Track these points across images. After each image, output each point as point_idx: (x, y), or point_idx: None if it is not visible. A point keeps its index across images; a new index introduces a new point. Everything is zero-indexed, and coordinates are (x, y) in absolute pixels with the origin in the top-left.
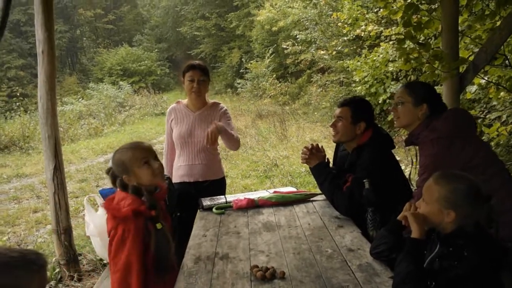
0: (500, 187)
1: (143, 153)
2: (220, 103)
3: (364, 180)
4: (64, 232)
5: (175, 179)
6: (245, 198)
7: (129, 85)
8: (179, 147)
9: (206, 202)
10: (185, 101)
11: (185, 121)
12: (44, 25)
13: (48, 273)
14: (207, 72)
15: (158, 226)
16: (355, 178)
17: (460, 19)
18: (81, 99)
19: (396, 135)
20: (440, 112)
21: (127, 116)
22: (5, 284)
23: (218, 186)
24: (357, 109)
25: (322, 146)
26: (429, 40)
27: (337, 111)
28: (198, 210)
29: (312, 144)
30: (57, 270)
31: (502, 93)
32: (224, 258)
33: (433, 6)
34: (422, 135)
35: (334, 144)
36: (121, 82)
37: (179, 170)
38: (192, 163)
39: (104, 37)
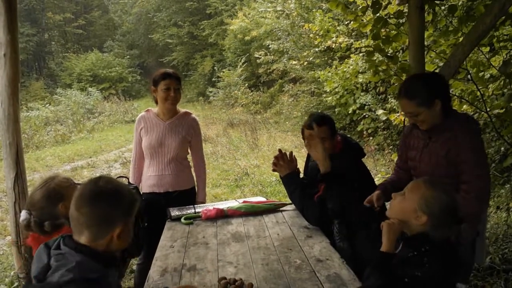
0: None
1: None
2: (191, 113)
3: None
4: (25, 243)
5: (144, 189)
6: (214, 208)
7: (98, 91)
8: (149, 157)
9: (175, 212)
10: (155, 109)
11: (155, 130)
12: (7, 27)
13: None
14: (180, 80)
15: None
16: (326, 187)
17: (426, 34)
18: (48, 104)
19: (365, 145)
20: (449, 101)
21: (96, 123)
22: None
23: (187, 196)
24: (332, 125)
25: (294, 155)
26: (397, 53)
27: (316, 132)
28: (166, 221)
29: (284, 153)
30: (16, 284)
31: (464, 106)
32: (192, 270)
33: (400, 21)
34: (453, 126)
35: (305, 154)
36: (90, 88)
37: (148, 180)
38: (162, 173)
39: (73, 42)
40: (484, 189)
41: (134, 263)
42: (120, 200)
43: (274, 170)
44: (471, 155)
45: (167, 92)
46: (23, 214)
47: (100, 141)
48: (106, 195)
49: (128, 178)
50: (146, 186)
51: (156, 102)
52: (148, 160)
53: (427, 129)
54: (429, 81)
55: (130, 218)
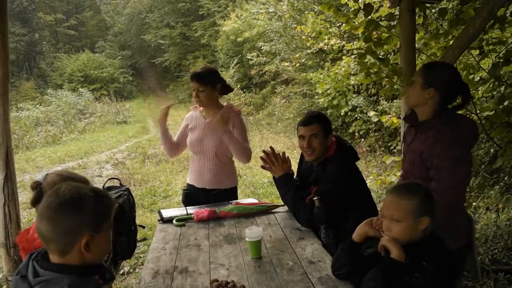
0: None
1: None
2: (233, 107)
3: (314, 198)
4: (14, 246)
5: (188, 180)
6: (206, 210)
7: (90, 92)
8: (192, 153)
9: (166, 214)
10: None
11: (197, 129)
12: None
13: None
14: (204, 80)
15: None
16: (317, 191)
17: (417, 36)
18: (38, 105)
19: (357, 146)
20: (449, 102)
21: (87, 124)
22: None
23: (228, 195)
24: (325, 123)
25: (288, 156)
26: (389, 55)
27: (307, 130)
28: (158, 223)
29: (278, 153)
30: (5, 287)
31: None
32: (184, 272)
33: (392, 23)
34: (436, 127)
35: (298, 155)
36: (81, 89)
37: (191, 173)
38: (201, 170)
39: (64, 42)
40: (456, 201)
41: (125, 265)
42: (80, 210)
43: (263, 167)
44: (444, 162)
45: (194, 93)
46: (40, 178)
47: (92, 142)
48: (64, 206)
49: (120, 180)
50: (189, 178)
51: None
52: (192, 155)
53: (409, 107)
54: (447, 72)
55: (100, 227)
